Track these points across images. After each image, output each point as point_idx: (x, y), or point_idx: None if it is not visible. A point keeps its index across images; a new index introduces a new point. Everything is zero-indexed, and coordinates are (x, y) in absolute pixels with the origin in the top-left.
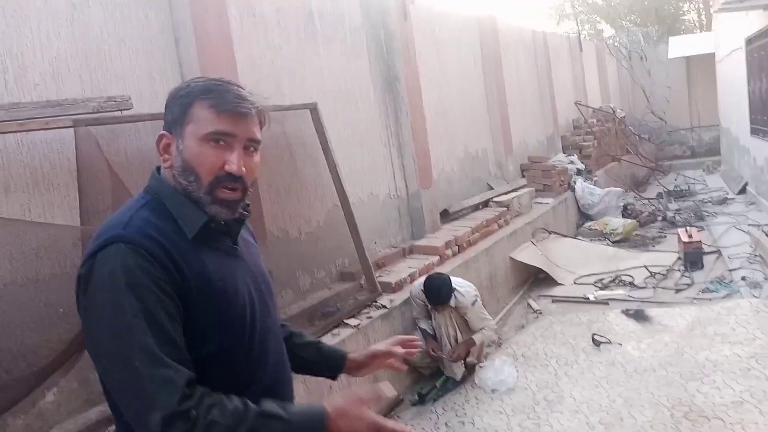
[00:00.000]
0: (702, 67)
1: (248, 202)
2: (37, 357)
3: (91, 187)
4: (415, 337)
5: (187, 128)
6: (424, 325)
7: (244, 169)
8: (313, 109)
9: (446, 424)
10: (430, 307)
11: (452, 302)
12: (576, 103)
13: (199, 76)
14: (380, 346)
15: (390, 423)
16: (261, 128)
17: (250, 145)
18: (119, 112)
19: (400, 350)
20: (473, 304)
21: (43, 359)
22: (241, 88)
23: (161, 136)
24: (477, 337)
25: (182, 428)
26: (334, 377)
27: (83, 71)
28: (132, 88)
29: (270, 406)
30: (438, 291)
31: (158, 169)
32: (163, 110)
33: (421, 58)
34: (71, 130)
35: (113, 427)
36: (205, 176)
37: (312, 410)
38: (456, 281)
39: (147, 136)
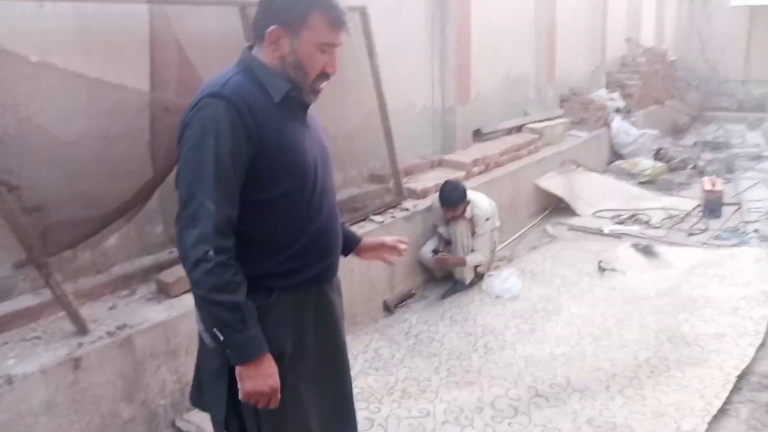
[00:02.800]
0: (765, 18)
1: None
2: (104, 204)
3: (161, 61)
4: (403, 239)
5: (304, 33)
6: (441, 230)
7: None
8: (363, 12)
9: (451, 317)
10: (451, 219)
11: (468, 213)
12: (627, 40)
13: None
14: (385, 239)
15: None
16: None
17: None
18: None
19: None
20: (486, 220)
21: (108, 206)
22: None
23: (274, 30)
24: (468, 258)
25: (203, 250)
26: (345, 254)
27: None
28: None
29: (248, 311)
30: (448, 193)
31: (249, 47)
32: None
33: None
34: (144, 6)
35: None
36: (312, 74)
37: (254, 345)
38: (477, 197)
39: (209, 20)
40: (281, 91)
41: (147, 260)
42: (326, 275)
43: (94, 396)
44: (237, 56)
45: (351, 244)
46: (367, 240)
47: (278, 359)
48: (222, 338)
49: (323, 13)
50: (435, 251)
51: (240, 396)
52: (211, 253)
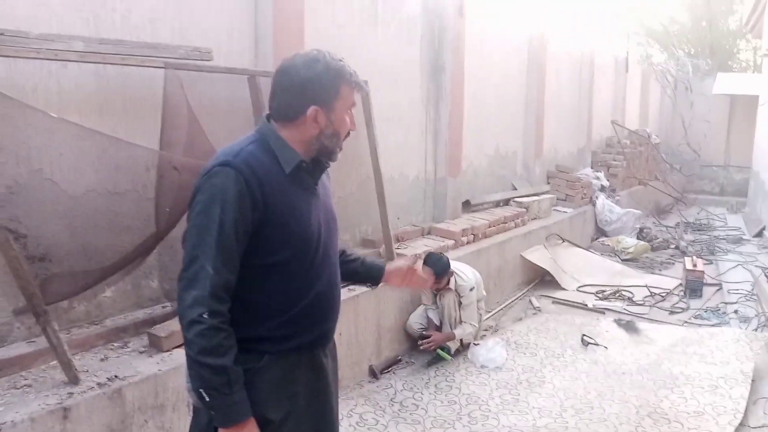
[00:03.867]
0: (745, 107)
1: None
2: (105, 257)
3: (172, 122)
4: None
5: (337, 104)
6: (431, 314)
7: None
8: (363, 85)
9: (435, 385)
10: (437, 291)
11: (452, 285)
12: (612, 122)
13: (315, 52)
14: (407, 261)
15: None
16: None
17: None
18: (201, 61)
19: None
20: (471, 290)
21: (107, 260)
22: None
23: (313, 111)
24: (457, 332)
25: (198, 312)
26: (375, 284)
27: (175, 21)
28: (212, 42)
29: (234, 375)
30: (432, 264)
31: (267, 117)
32: (235, 66)
33: (468, 54)
34: (161, 70)
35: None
36: (342, 136)
37: (237, 410)
38: (461, 267)
39: (219, 86)
40: (292, 163)
41: (140, 314)
42: (320, 341)
43: None
44: (243, 122)
45: (377, 274)
46: (388, 268)
47: (266, 423)
48: (207, 399)
49: (347, 81)
50: (422, 336)
51: None
52: (205, 315)
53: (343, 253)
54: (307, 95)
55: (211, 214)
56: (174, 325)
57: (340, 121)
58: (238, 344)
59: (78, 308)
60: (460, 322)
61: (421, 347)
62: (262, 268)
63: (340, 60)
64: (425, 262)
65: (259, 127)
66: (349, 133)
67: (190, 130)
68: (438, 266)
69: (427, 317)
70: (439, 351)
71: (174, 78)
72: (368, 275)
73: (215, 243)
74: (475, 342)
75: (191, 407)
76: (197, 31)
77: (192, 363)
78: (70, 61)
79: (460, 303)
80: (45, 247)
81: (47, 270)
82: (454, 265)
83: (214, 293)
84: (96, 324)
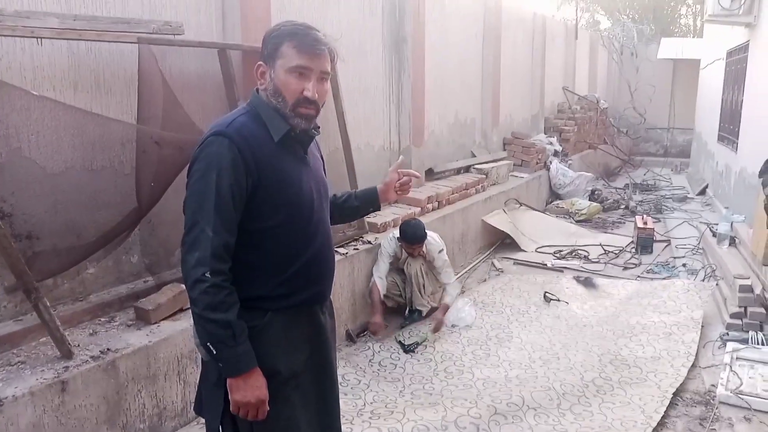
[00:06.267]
0: (687, 71)
1: (319, 125)
2: (85, 234)
3: (148, 97)
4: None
5: (278, 62)
6: (380, 284)
7: (317, 94)
8: None
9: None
10: (403, 256)
11: (425, 250)
12: (564, 88)
13: (286, 21)
14: (390, 175)
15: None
16: (332, 63)
17: (323, 76)
18: (172, 36)
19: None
20: (440, 251)
21: (89, 237)
22: (317, 32)
23: (258, 66)
24: (448, 300)
25: (201, 272)
26: (378, 209)
27: None
28: (181, 16)
29: (238, 329)
30: (414, 230)
31: (257, 90)
32: (203, 39)
33: (428, 24)
34: (131, 45)
35: (145, 299)
36: (289, 98)
37: (244, 360)
38: (428, 233)
39: (189, 61)
40: (281, 132)
41: (123, 289)
42: (317, 299)
43: (79, 419)
44: (214, 95)
45: (374, 198)
46: (380, 188)
47: (271, 376)
48: (215, 352)
49: (290, 40)
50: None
51: (230, 407)
52: (207, 274)
53: (333, 197)
54: (261, 53)
55: (208, 180)
56: (160, 298)
57: (280, 80)
58: (241, 303)
59: (62, 286)
60: (429, 288)
61: (433, 332)
62: (259, 231)
63: (305, 27)
64: (401, 231)
65: (249, 100)
66: (308, 99)
67: (166, 105)
68: (420, 231)
69: (371, 295)
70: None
71: (148, 53)
72: (367, 204)
73: (213, 207)
74: None
75: (200, 363)
76: (166, 5)
77: (198, 319)
78: (46, 38)
79: (430, 269)
80: (30, 225)
81: (32, 248)
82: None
83: (215, 253)
84: (81, 300)
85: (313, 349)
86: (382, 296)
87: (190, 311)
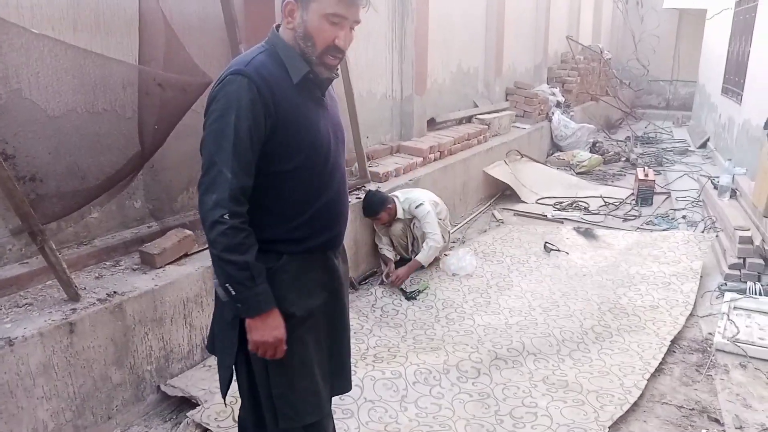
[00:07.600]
0: (693, 22)
1: (338, 67)
2: (88, 178)
3: (149, 38)
4: None
5: (312, 4)
6: (385, 251)
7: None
8: None
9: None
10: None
11: (400, 213)
12: (567, 38)
13: None
14: None
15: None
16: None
17: (354, 25)
18: None
19: None
20: (417, 207)
21: (92, 180)
22: None
23: (287, 2)
24: (421, 258)
25: (219, 213)
26: None
27: None
28: None
29: (256, 270)
30: (368, 205)
31: (277, 27)
32: None
33: None
34: None
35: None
36: (320, 45)
37: (262, 300)
38: (408, 193)
39: (189, 1)
40: (300, 73)
41: (128, 233)
42: (332, 243)
43: (87, 360)
44: (216, 39)
45: None
46: None
47: (286, 317)
48: (234, 293)
49: None
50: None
51: (249, 346)
52: (226, 216)
53: None
54: None
55: (227, 120)
56: (165, 242)
57: (313, 24)
58: (258, 245)
59: (67, 230)
60: (414, 246)
61: (389, 284)
62: (276, 174)
63: None
64: (363, 207)
65: (268, 38)
66: (338, 48)
67: (168, 47)
68: (375, 203)
69: (381, 256)
70: (413, 289)
71: None
72: None
73: (232, 148)
74: (445, 253)
75: (204, 307)
76: None
77: (217, 260)
78: None
79: (410, 230)
80: (33, 167)
81: (36, 191)
82: (401, 193)
83: (233, 195)
84: (85, 245)
85: (326, 293)
86: (393, 261)
87: (194, 256)
